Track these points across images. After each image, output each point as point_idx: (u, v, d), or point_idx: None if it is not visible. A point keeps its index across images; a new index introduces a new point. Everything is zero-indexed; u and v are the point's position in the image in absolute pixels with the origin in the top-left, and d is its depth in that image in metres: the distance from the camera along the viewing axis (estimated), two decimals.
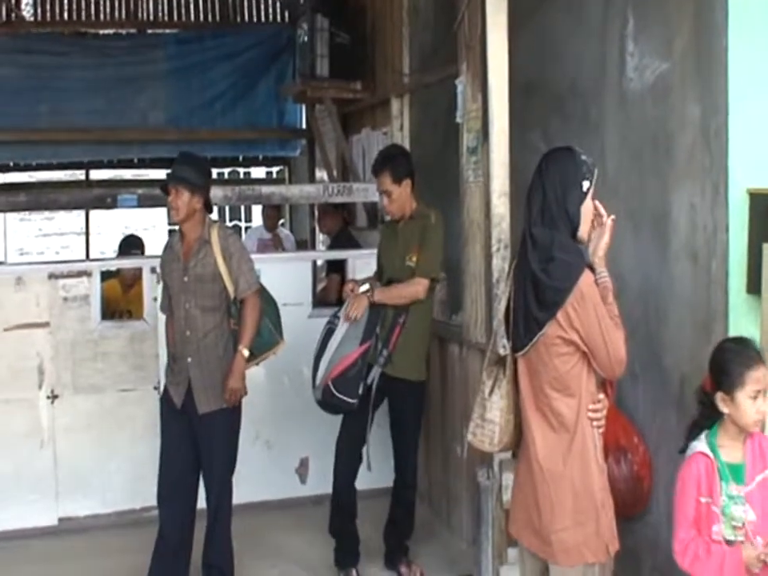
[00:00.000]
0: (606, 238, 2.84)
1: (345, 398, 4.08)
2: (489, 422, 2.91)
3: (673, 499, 2.80)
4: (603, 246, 2.83)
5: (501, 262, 3.91)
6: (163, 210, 17.28)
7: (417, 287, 4.19)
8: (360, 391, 4.11)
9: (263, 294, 4.14)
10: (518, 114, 4.07)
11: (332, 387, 4.07)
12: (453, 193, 4.69)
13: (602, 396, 2.84)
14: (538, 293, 2.76)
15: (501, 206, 3.94)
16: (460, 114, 4.39)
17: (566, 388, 2.78)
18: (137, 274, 5.52)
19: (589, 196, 2.84)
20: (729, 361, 2.72)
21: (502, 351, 2.97)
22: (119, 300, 5.49)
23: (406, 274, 4.24)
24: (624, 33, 3.91)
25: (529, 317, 2.79)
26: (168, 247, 4.16)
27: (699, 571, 2.68)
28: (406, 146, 5.71)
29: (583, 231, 2.86)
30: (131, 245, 5.75)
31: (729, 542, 2.68)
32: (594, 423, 2.81)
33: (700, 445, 2.74)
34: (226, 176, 14.06)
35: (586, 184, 2.83)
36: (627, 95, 3.88)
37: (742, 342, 2.79)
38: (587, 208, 2.84)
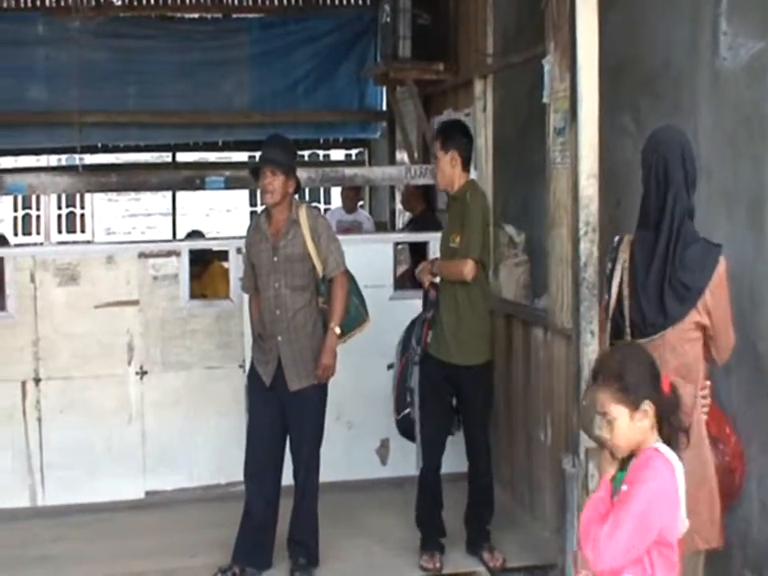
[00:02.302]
0: None
1: (408, 433, 4.36)
2: None
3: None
4: None
5: (589, 246, 3.83)
6: (244, 192, 17.59)
7: (460, 267, 4.13)
8: (408, 399, 4.27)
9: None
10: (607, 94, 4.00)
11: (397, 429, 4.41)
12: (537, 174, 4.64)
13: (708, 382, 2.81)
14: (675, 280, 2.73)
15: (589, 187, 3.86)
16: (547, 94, 4.33)
17: (689, 373, 2.76)
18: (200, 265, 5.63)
19: None
20: None
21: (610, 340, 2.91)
22: (193, 287, 5.59)
23: (450, 255, 4.25)
24: (717, 12, 3.80)
25: (664, 303, 2.75)
26: (254, 228, 4.21)
27: None
28: (489, 127, 5.63)
29: None
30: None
31: None
32: (703, 409, 2.78)
33: None
34: (306, 158, 14.17)
35: None
36: (720, 75, 3.78)
37: (608, 355, 2.47)
38: None
